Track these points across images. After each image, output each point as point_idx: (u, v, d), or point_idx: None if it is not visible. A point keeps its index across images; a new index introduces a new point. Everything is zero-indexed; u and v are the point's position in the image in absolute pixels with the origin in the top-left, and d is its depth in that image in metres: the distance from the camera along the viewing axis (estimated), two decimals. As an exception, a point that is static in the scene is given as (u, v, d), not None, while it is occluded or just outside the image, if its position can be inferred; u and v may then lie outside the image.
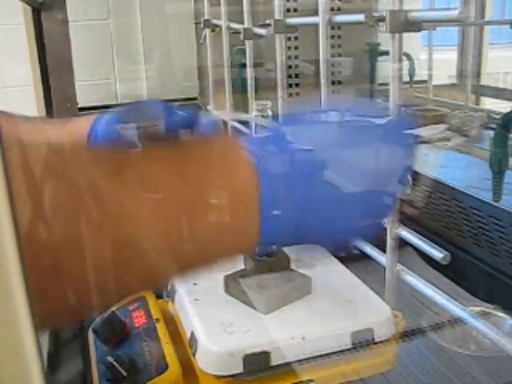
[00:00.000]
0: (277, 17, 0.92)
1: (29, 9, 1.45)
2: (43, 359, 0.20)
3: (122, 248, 0.24)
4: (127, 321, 0.56)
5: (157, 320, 0.56)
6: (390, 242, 0.67)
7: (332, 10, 0.79)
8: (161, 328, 0.55)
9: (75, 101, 1.52)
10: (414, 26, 0.60)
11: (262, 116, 0.53)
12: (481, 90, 1.57)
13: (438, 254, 0.61)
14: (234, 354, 0.48)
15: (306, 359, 0.50)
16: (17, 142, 0.21)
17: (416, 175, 0.85)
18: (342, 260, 0.64)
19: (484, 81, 1.63)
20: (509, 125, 0.71)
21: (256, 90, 1.14)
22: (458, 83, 1.64)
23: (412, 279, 0.66)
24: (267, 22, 0.94)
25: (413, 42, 1.62)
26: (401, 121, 0.50)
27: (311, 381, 0.50)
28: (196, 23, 1.60)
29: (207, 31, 1.36)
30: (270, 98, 0.56)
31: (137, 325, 0.56)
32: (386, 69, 0.70)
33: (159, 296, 0.62)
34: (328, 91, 0.81)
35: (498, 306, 0.70)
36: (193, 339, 0.51)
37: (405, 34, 0.62)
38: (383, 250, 0.64)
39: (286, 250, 0.59)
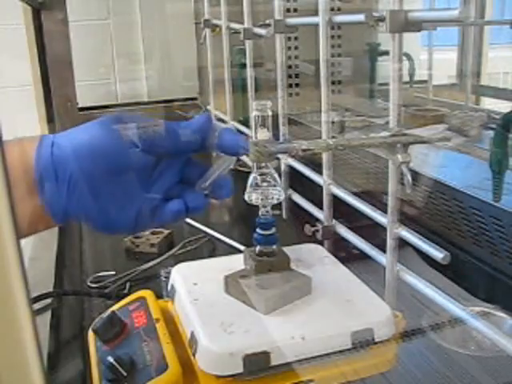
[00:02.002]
0: (277, 17, 0.92)
1: (29, 9, 1.45)
2: (43, 359, 0.20)
3: None
4: (127, 321, 0.56)
5: (157, 320, 0.56)
6: (390, 242, 0.67)
7: (332, 9, 0.79)
8: (161, 328, 0.55)
9: (75, 101, 1.52)
10: (414, 26, 0.60)
11: (262, 116, 0.53)
12: (481, 90, 1.57)
13: (438, 253, 0.61)
14: (234, 354, 0.48)
15: (306, 359, 0.50)
16: None
17: (416, 175, 0.85)
18: (342, 260, 0.64)
19: (484, 81, 1.63)
20: (509, 125, 0.71)
21: (256, 90, 1.14)
22: (458, 83, 1.64)
23: (412, 279, 0.66)
24: (267, 22, 0.94)
25: (413, 42, 1.62)
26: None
27: (311, 381, 0.50)
28: (196, 23, 1.60)
29: (207, 31, 1.36)
30: (270, 98, 0.56)
31: (137, 325, 0.56)
32: (386, 69, 0.70)
33: (159, 296, 0.63)
34: (328, 91, 0.81)
35: (498, 305, 0.70)
36: (193, 339, 0.51)
37: (405, 34, 0.62)
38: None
39: (285, 250, 0.59)
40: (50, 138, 0.46)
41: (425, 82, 1.55)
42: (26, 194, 0.44)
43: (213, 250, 0.94)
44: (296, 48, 1.58)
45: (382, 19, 0.61)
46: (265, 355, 0.48)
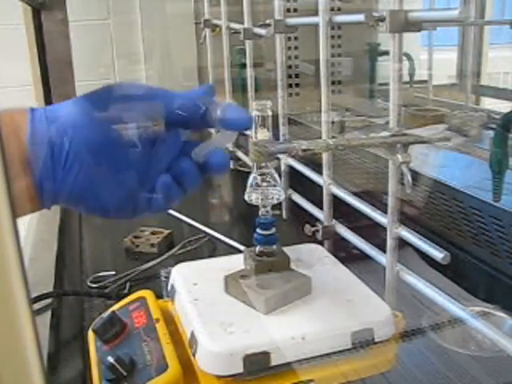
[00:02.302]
0: (277, 17, 0.92)
1: (29, 9, 1.45)
2: (43, 359, 0.20)
3: None
4: (127, 321, 0.56)
5: (157, 320, 0.56)
6: (389, 242, 0.67)
7: (332, 9, 0.79)
8: (161, 328, 0.55)
9: (75, 101, 1.52)
10: (414, 25, 0.60)
11: (262, 116, 0.53)
12: (481, 90, 1.57)
13: (438, 253, 0.61)
14: (233, 354, 0.48)
15: (306, 359, 0.50)
16: None
17: (416, 175, 0.85)
18: (342, 260, 0.64)
19: (484, 81, 1.63)
20: (509, 125, 0.71)
21: (256, 90, 1.14)
22: (458, 83, 1.64)
23: (412, 279, 0.66)
24: (267, 22, 0.94)
25: (413, 42, 1.62)
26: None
27: (311, 381, 0.50)
28: (196, 23, 1.60)
29: (207, 31, 1.36)
30: (270, 98, 0.56)
31: (137, 325, 0.56)
32: (385, 69, 0.70)
33: (159, 296, 0.63)
34: (328, 91, 0.81)
35: (498, 305, 0.70)
36: (193, 339, 0.51)
37: (405, 34, 0.62)
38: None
39: (285, 250, 0.59)
40: (41, 112, 0.43)
41: (425, 82, 1.55)
42: (18, 173, 0.41)
43: (213, 250, 0.94)
44: (296, 48, 1.58)
45: (382, 19, 0.61)
46: (265, 355, 0.48)
